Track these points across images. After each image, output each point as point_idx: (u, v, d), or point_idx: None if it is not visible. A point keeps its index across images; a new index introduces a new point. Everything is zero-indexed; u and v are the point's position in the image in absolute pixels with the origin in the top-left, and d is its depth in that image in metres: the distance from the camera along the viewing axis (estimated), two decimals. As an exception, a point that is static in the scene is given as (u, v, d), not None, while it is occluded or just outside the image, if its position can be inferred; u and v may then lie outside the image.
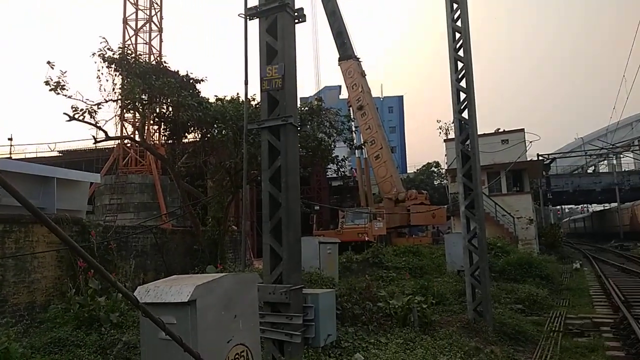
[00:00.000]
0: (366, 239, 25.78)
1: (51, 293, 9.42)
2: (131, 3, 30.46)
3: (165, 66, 13.19)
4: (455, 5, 9.75)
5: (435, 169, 54.49)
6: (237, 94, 14.95)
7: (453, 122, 9.77)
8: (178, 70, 13.30)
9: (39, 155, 34.80)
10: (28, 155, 34.69)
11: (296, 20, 6.57)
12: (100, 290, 8.55)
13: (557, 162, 50.38)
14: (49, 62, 10.99)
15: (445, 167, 34.40)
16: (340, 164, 18.62)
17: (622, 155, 54.05)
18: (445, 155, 32.19)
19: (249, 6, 6.47)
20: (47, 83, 11.02)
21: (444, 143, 32.66)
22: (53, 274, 9.59)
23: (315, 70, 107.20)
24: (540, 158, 37.16)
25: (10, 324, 8.19)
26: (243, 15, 6.65)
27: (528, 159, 29.62)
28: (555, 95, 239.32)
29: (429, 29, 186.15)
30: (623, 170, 52.93)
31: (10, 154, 35.21)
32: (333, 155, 17.61)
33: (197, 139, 15.66)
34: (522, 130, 29.31)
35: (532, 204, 29.89)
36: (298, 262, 6.28)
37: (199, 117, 12.92)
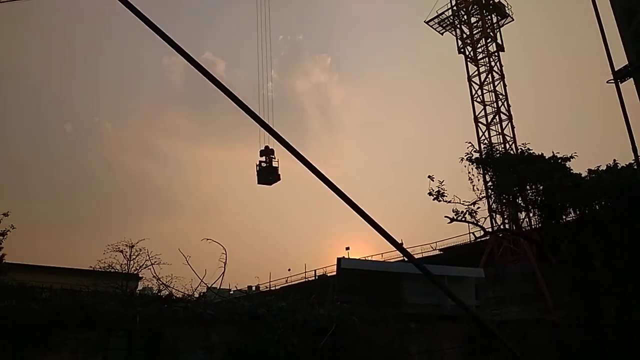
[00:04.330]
0: None
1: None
2: (478, 102, 32.83)
3: (530, 153, 13.29)
4: None
5: None
6: (614, 160, 13.16)
7: None
8: (542, 153, 13.09)
9: (425, 255, 39.17)
10: (416, 256, 39.66)
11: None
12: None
13: None
14: (430, 176, 13.21)
15: None
16: None
17: None
18: None
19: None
20: (430, 194, 13.12)
21: None
22: (460, 369, 10.13)
23: None
24: None
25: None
26: (612, 81, 6.10)
27: None
28: None
29: None
30: None
31: (404, 256, 41.04)
32: None
33: (576, 218, 14.34)
34: None
35: None
36: None
37: (576, 196, 12.00)
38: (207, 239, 8.41)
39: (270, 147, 32.26)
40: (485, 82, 33.10)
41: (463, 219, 12.94)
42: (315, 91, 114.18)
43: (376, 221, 3.91)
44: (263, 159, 32.58)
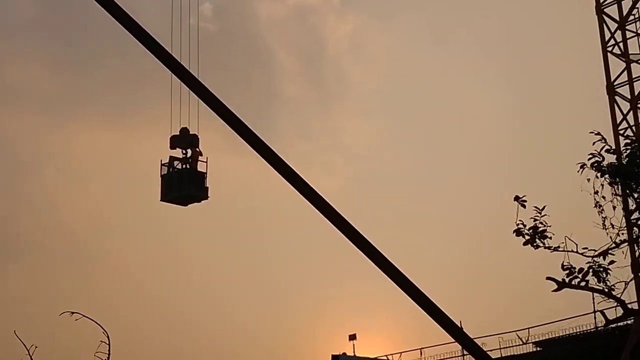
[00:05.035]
0: None
1: None
2: (615, 55, 20.41)
3: None
4: None
5: None
6: None
7: None
8: None
9: (508, 352, 24.12)
10: (492, 354, 20.95)
11: None
12: None
13: None
14: (517, 198, 7.81)
15: None
16: None
17: None
18: None
19: None
20: (518, 232, 7.92)
21: None
22: None
23: None
24: None
25: None
26: None
27: None
28: None
29: None
30: None
31: (464, 354, 24.28)
32: None
33: None
34: None
35: None
36: None
37: None
38: (72, 313, 4.92)
39: (191, 132, 18.68)
40: (631, 18, 19.84)
41: (583, 282, 7.74)
42: (297, 21, 62.84)
43: (413, 283, 2.11)
44: (177, 153, 19.18)
